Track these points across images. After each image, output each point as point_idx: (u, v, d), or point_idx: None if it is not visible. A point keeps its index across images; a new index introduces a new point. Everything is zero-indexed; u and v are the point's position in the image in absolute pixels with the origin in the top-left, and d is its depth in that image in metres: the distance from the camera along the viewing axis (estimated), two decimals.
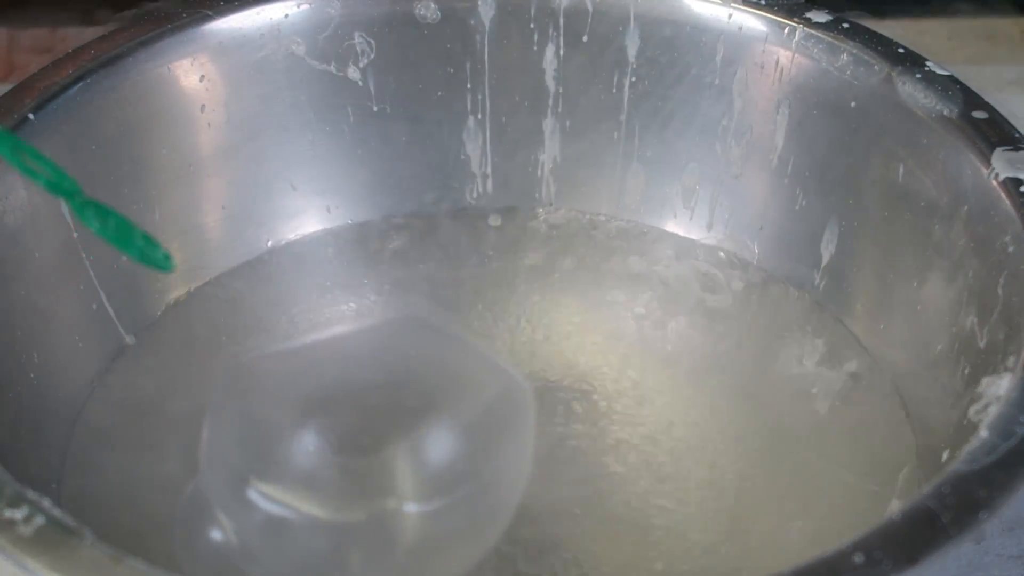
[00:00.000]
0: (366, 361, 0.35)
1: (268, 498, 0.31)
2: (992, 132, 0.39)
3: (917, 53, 0.43)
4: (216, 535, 0.33)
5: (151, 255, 0.31)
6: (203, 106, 0.46)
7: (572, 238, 0.51)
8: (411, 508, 0.31)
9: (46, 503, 0.29)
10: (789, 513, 0.39)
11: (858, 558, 0.27)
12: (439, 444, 0.32)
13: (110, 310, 0.44)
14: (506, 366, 0.34)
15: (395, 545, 0.31)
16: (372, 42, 0.48)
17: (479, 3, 0.48)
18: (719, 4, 0.46)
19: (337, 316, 0.47)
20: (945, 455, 0.35)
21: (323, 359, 0.35)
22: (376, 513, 0.31)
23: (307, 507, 0.31)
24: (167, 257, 0.31)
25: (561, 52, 0.49)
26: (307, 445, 0.32)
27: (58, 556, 0.27)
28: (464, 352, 0.36)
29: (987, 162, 0.38)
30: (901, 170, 0.42)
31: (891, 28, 0.45)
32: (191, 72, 0.45)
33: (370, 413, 0.33)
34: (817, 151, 0.46)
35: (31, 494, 0.29)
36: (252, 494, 0.31)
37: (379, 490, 0.31)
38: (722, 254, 0.49)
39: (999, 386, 0.33)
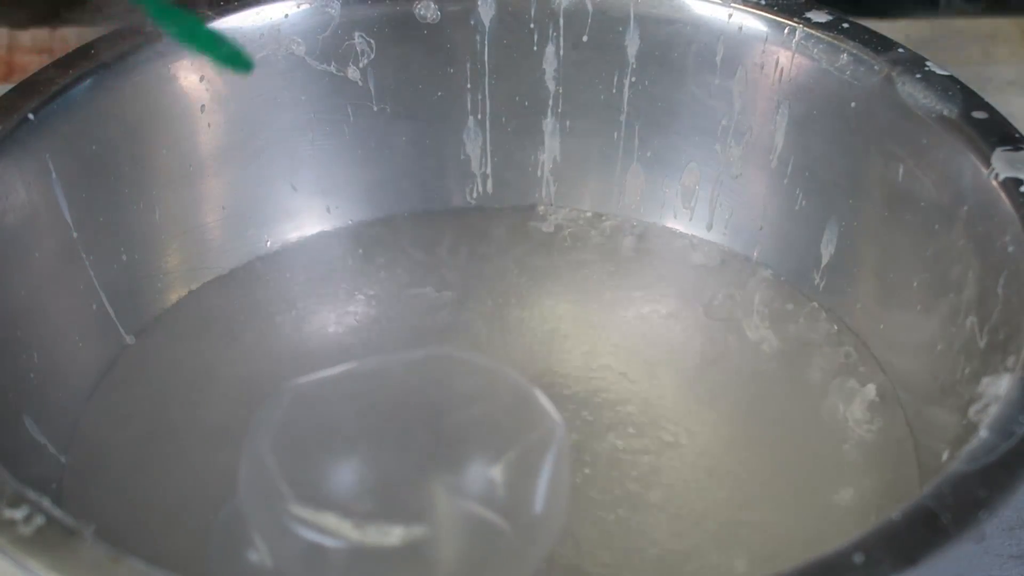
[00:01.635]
0: (405, 393, 0.35)
1: (307, 523, 0.31)
2: (992, 132, 0.39)
3: (917, 53, 0.43)
4: (252, 557, 0.33)
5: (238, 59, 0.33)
6: (203, 106, 0.46)
7: (572, 238, 0.51)
8: (448, 538, 0.31)
9: (46, 503, 0.29)
10: (786, 512, 0.39)
11: (858, 558, 0.27)
12: (476, 475, 0.33)
13: (110, 310, 0.44)
14: (542, 399, 0.35)
15: (431, 574, 0.32)
16: (372, 42, 0.48)
17: (479, 3, 0.48)
18: (719, 4, 0.46)
19: (337, 318, 0.47)
20: (945, 455, 0.35)
21: (363, 389, 0.35)
22: (413, 541, 0.31)
23: (345, 533, 0.31)
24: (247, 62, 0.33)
25: (561, 52, 0.49)
26: (347, 472, 0.32)
27: (58, 556, 0.27)
28: (501, 386, 0.36)
29: (987, 162, 0.38)
30: (901, 170, 0.42)
31: (891, 28, 0.45)
32: (191, 72, 0.45)
33: (410, 443, 0.34)
34: (817, 151, 0.46)
35: (31, 494, 0.29)
36: (291, 519, 0.31)
37: (416, 518, 0.32)
38: (722, 254, 0.49)
39: (999, 386, 0.33)
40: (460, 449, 0.33)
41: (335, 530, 0.31)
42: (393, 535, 0.31)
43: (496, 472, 0.33)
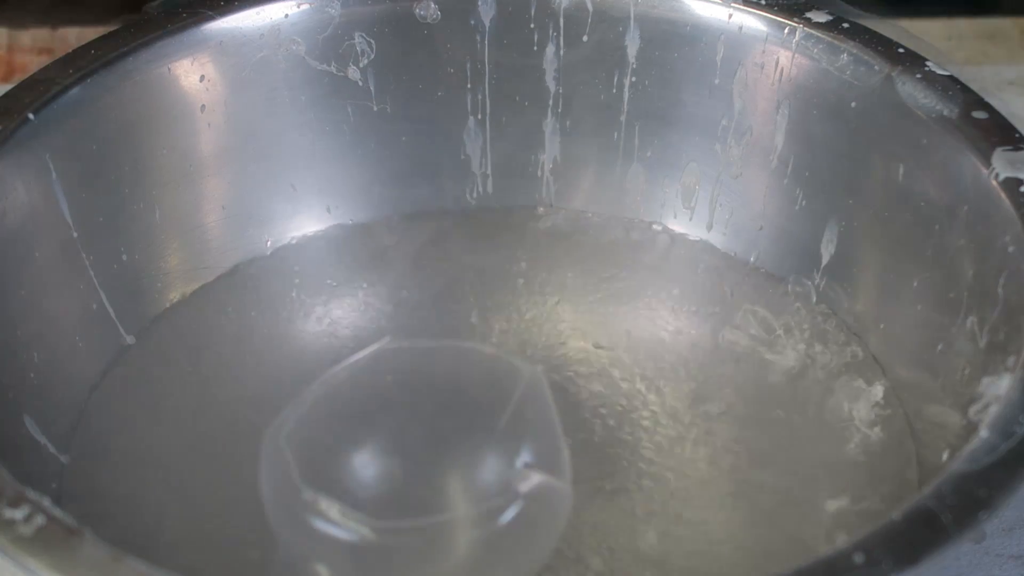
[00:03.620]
0: (381, 394, 0.35)
1: (361, 535, 0.31)
2: (992, 132, 0.39)
3: (917, 53, 0.43)
4: None
5: None
6: (203, 106, 0.46)
7: (572, 238, 0.51)
8: (474, 516, 0.32)
9: (46, 503, 0.29)
10: (786, 510, 0.39)
11: (858, 558, 0.27)
12: (489, 445, 0.33)
13: (110, 310, 0.44)
14: (507, 356, 0.35)
15: (469, 550, 0.32)
16: (372, 42, 0.48)
17: (479, 3, 0.48)
18: (719, 4, 0.46)
19: (337, 317, 0.47)
20: (945, 455, 0.35)
21: (339, 403, 0.35)
22: (444, 523, 0.32)
23: (385, 529, 0.31)
24: None
25: (561, 52, 0.49)
26: (378, 481, 0.33)
27: (58, 556, 0.27)
28: (462, 359, 0.36)
29: (987, 162, 0.38)
30: (901, 170, 0.42)
31: (891, 28, 0.45)
32: (191, 72, 0.45)
33: (413, 438, 0.34)
34: (817, 151, 0.46)
35: (31, 494, 0.29)
36: (347, 533, 0.31)
37: (440, 502, 0.32)
38: (722, 254, 0.49)
39: (999, 386, 0.33)
40: (460, 427, 0.34)
41: (378, 530, 0.31)
42: (424, 522, 0.31)
43: (503, 435, 0.33)
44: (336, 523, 0.31)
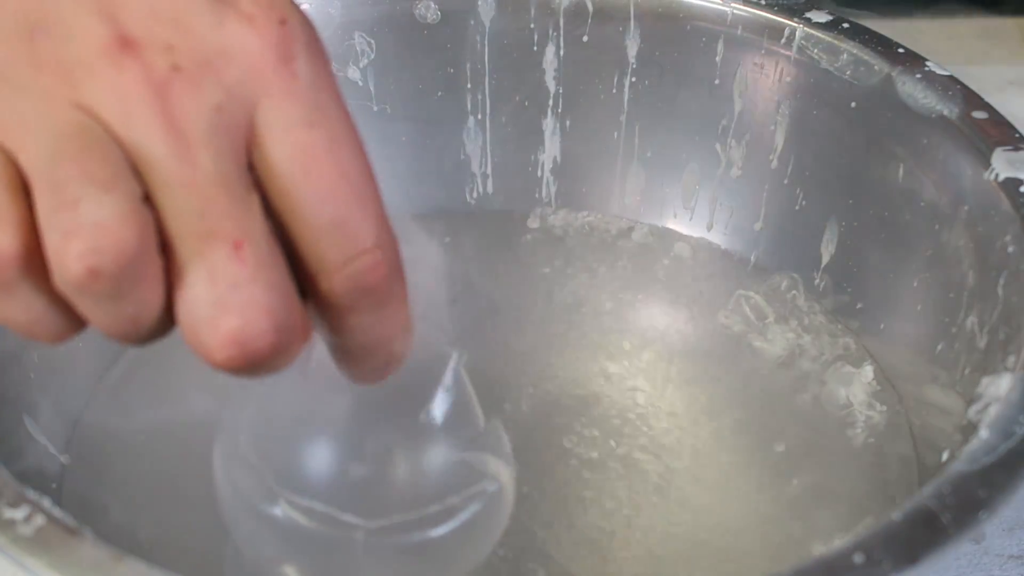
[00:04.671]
0: (307, 391, 0.35)
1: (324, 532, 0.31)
2: (992, 132, 0.40)
3: (917, 53, 0.43)
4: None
5: None
6: None
7: (572, 238, 0.51)
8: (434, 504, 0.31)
9: (46, 503, 0.29)
10: (785, 509, 0.39)
11: (858, 558, 0.27)
12: (424, 425, 0.33)
13: None
14: (428, 339, 0.35)
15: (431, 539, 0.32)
16: (372, 42, 0.48)
17: (479, 3, 0.48)
18: (719, 4, 0.46)
19: None
20: (945, 455, 0.35)
21: (271, 407, 0.35)
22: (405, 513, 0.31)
23: (340, 523, 0.31)
24: None
25: (561, 52, 0.49)
26: (337, 477, 0.32)
27: (58, 556, 0.27)
28: None
29: (987, 162, 0.38)
30: (901, 170, 0.42)
31: (891, 28, 0.45)
32: None
33: (356, 433, 0.33)
34: (817, 151, 0.46)
35: (31, 494, 0.29)
36: (311, 526, 0.31)
37: (393, 495, 0.32)
38: (722, 254, 0.49)
39: (999, 386, 0.33)
40: (391, 416, 0.33)
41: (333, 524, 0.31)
42: (377, 515, 0.31)
43: (436, 420, 0.33)
44: (315, 529, 0.31)
